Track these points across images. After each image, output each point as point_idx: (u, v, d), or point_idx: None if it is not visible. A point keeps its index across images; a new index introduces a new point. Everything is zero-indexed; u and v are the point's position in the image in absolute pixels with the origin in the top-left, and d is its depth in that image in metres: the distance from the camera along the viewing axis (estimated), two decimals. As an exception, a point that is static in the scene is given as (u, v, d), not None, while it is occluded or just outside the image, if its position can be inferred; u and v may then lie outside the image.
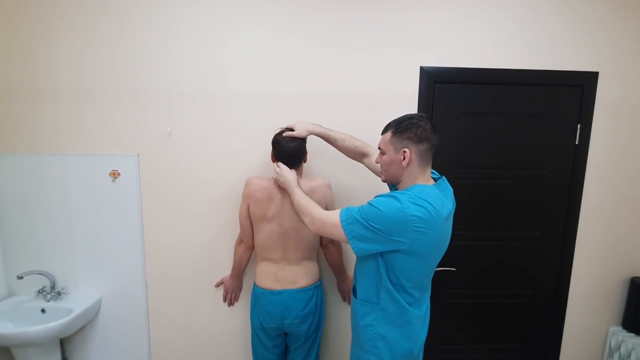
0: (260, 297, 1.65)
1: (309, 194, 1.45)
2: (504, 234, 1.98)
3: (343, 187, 1.86)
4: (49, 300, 1.85)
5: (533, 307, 2.05)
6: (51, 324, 1.66)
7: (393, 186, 1.44)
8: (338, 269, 1.83)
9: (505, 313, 2.05)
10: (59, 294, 1.87)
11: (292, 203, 1.41)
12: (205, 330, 1.97)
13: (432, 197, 1.17)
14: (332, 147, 1.67)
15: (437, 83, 1.82)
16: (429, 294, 1.35)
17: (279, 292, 1.61)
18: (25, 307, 1.83)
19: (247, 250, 1.77)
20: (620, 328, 2.04)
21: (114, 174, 1.83)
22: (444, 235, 1.24)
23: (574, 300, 2.03)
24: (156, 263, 1.91)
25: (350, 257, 1.89)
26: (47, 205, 1.84)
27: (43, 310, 1.82)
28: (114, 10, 1.72)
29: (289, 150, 1.56)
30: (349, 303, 1.93)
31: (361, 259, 1.30)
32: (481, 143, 1.89)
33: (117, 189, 1.84)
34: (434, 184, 1.26)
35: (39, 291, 1.87)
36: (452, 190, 1.32)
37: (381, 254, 1.21)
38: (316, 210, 1.29)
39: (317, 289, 1.69)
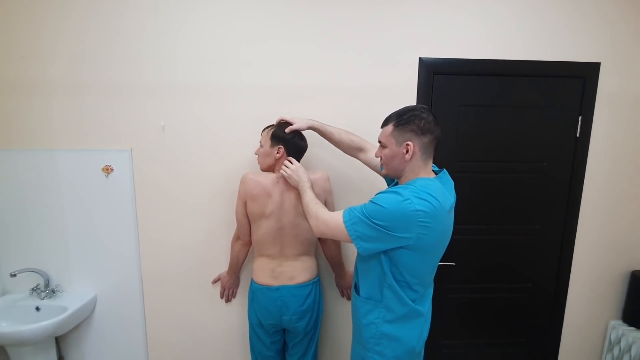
0: (257, 293, 1.63)
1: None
2: (503, 227, 1.96)
3: (342, 178, 1.83)
4: (43, 298, 1.82)
5: (533, 301, 2.04)
6: (45, 322, 1.64)
7: (391, 180, 1.42)
8: (336, 264, 1.81)
9: (505, 307, 2.04)
10: (53, 291, 1.85)
11: (301, 203, 1.40)
12: (202, 327, 1.96)
13: (435, 190, 1.15)
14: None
15: (436, 74, 1.79)
16: (432, 290, 1.34)
17: (277, 288, 1.59)
18: (19, 305, 1.81)
19: (244, 247, 1.75)
20: (620, 322, 2.04)
21: (107, 170, 1.79)
22: (447, 229, 1.23)
23: (574, 294, 2.02)
24: (152, 259, 1.88)
25: (349, 252, 1.87)
26: (40, 202, 1.81)
27: (37, 309, 1.79)
28: (107, 3, 1.68)
29: (304, 148, 1.61)
30: (348, 299, 1.92)
31: (363, 256, 1.28)
32: (481, 136, 1.87)
33: (110, 185, 1.80)
34: (435, 177, 1.24)
35: (32, 289, 1.85)
36: (453, 183, 1.29)
37: (384, 251, 1.19)
38: (321, 213, 1.28)
39: (316, 284, 1.67)
